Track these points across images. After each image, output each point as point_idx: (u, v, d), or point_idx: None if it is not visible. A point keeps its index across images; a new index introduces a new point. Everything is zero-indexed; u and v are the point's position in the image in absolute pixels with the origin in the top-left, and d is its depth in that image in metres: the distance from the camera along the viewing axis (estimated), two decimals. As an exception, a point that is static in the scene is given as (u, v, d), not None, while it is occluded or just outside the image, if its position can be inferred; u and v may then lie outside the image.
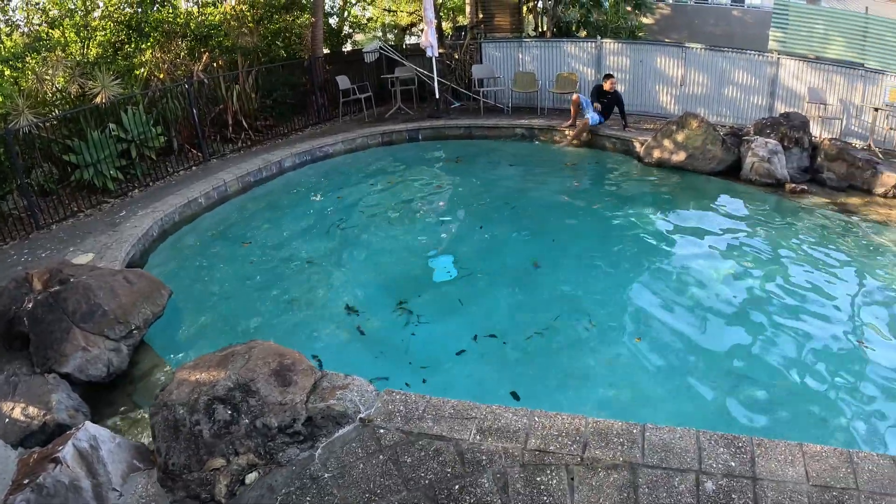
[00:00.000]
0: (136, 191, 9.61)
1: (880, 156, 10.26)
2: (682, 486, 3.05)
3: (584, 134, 11.45)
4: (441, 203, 8.92)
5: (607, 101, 11.45)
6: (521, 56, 13.57)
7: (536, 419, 3.49)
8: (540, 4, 15.07)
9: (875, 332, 5.47)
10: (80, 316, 5.13)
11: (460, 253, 7.08)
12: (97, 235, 7.95)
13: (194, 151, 10.99)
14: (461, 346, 5.20)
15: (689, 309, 5.82)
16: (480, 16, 14.39)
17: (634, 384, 4.74)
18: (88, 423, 3.69)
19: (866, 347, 5.23)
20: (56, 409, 4.31)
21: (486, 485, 3.11)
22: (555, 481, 3.11)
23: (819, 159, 9.62)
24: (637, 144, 10.65)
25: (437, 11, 15.03)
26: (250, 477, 3.30)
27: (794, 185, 9.18)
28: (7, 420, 4.31)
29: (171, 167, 10.34)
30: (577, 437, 3.34)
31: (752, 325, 5.54)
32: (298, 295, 6.32)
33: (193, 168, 10.41)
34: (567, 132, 11.65)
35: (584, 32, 15.33)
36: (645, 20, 19.38)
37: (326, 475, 3.23)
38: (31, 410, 4.29)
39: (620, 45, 12.70)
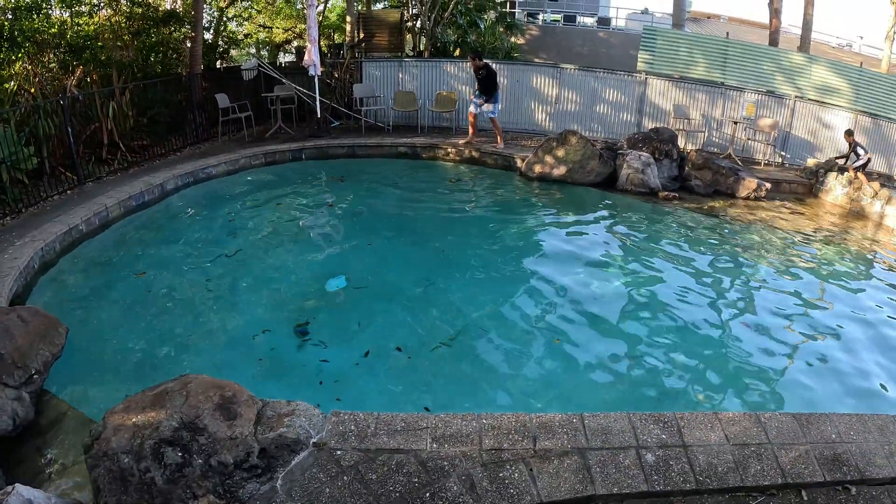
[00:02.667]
0: (8, 218, 8.84)
1: (740, 163, 11.60)
2: (626, 461, 3.50)
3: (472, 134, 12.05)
4: (328, 222, 8.91)
5: (481, 79, 11.66)
6: (401, 75, 13.77)
7: (485, 421, 3.72)
8: (419, 25, 15.33)
9: (737, 313, 6.52)
10: (-27, 361, 4.62)
11: (353, 270, 7.10)
12: (-30, 268, 7.28)
13: (68, 174, 10.24)
14: (363, 361, 5.30)
15: (580, 310, 6.28)
16: (361, 35, 14.42)
17: (543, 380, 5.14)
18: (20, 486, 3.28)
19: (745, 325, 6.19)
20: None
21: (455, 487, 3.26)
22: (516, 474, 3.38)
23: (687, 168, 10.63)
24: (518, 160, 11.15)
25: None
26: (214, 518, 3.18)
27: (666, 192, 10.13)
28: None
29: (44, 191, 9.59)
30: (526, 433, 3.64)
31: (640, 317, 6.22)
32: (200, 323, 6.10)
33: (68, 192, 9.66)
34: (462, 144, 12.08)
35: (458, 52, 15.74)
36: (516, 40, 20.20)
37: (295, 505, 3.21)
38: None
39: (498, 65, 13.18)
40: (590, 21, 28.70)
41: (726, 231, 8.90)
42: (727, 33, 14.15)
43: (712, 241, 8.47)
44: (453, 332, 5.77)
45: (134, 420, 3.37)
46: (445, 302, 6.36)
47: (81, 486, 3.92)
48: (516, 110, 13.53)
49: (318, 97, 12.71)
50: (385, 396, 4.88)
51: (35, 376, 4.84)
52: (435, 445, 3.51)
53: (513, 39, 19.23)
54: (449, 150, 11.90)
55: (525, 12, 27.90)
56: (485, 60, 11.88)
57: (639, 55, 12.99)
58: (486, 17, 16.48)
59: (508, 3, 21.46)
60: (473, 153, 11.73)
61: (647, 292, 6.70)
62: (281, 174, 11.13)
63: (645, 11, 30.22)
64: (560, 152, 10.52)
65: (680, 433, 3.69)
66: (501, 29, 17.47)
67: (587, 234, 8.42)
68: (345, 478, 3.29)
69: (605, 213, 9.35)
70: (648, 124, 12.72)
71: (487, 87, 11.65)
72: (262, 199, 9.78)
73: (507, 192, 10.31)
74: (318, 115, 12.86)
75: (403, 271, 7.09)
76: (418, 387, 5.01)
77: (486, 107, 11.75)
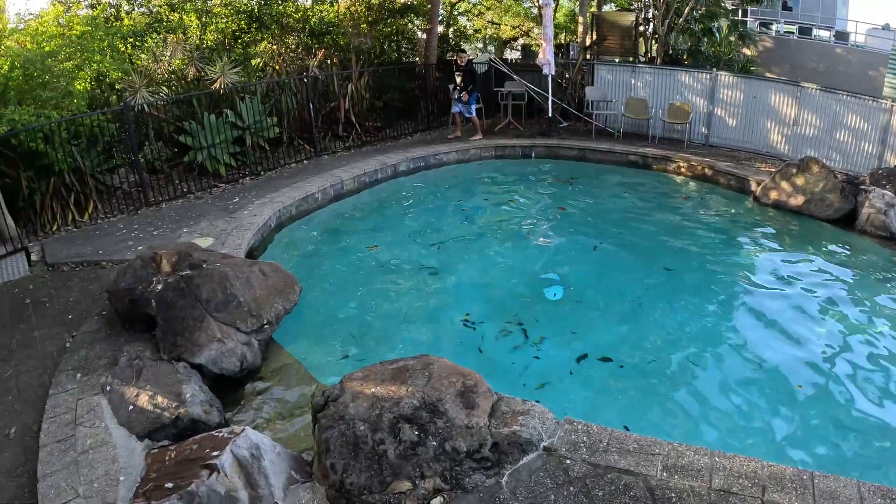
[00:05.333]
0: (248, 178, 9.71)
1: None
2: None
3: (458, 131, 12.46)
4: (556, 223, 8.79)
5: (462, 74, 11.92)
6: (633, 81, 13.32)
7: (717, 459, 3.46)
8: (651, 29, 14.78)
9: None
10: (215, 305, 4.99)
11: (573, 274, 6.94)
12: (212, 220, 8.00)
13: (306, 146, 11.10)
14: (572, 368, 5.11)
15: (804, 356, 5.55)
16: (593, 36, 14.18)
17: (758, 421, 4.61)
18: (249, 430, 3.52)
19: None
20: (190, 402, 4.11)
21: (684, 525, 3.00)
22: (744, 523, 3.05)
23: (940, 215, 9.17)
24: (753, 183, 10.33)
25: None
26: (435, 502, 3.16)
27: (909, 240, 8.77)
28: (132, 408, 4.12)
29: (282, 158, 10.43)
30: (756, 480, 3.35)
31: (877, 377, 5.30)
32: (420, 302, 6.25)
33: (305, 162, 10.50)
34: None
35: (689, 61, 14.99)
36: (747, 51, 18.92)
37: (516, 505, 3.11)
38: (161, 401, 4.10)
39: (735, 78, 12.35)
40: (826, 34, 26.18)
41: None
42: None
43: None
44: (665, 352, 5.42)
45: (373, 391, 3.44)
46: (661, 321, 6.00)
47: (296, 438, 4.10)
48: (751, 129, 12.57)
49: (549, 96, 12.67)
50: (587, 406, 4.68)
51: (266, 326, 5.18)
52: (665, 474, 3.29)
53: (745, 51, 18.02)
54: (680, 163, 11.35)
55: (757, 21, 26.00)
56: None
57: (886, 79, 11.56)
58: (717, 24, 15.53)
59: (741, 12, 20.14)
60: (706, 170, 11.09)
61: (872, 349, 5.75)
62: (511, 169, 11.27)
63: (886, 27, 27.03)
64: (799, 180, 9.61)
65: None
66: (733, 38, 16.39)
67: (820, 274, 7.53)
68: (571, 488, 3.14)
69: (839, 254, 8.34)
70: (892, 159, 11.28)
71: (465, 85, 11.99)
72: (492, 191, 9.95)
73: (739, 215, 9.61)
74: (549, 115, 12.82)
75: (623, 283, 6.81)
76: (621, 403, 4.77)
77: (461, 106, 12.16)
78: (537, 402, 3.71)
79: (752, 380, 5.16)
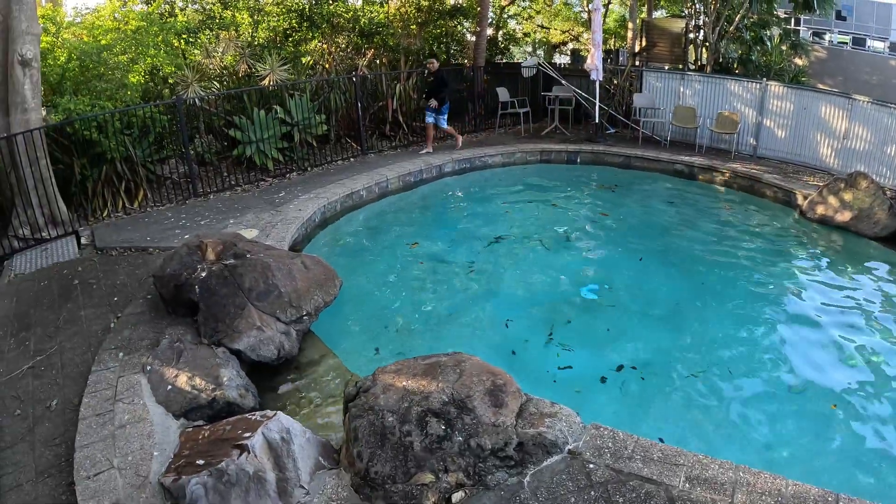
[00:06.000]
0: (294, 173, 9.93)
1: None
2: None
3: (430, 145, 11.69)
4: (597, 230, 8.77)
5: (432, 81, 11.39)
6: (682, 89, 13.14)
7: (741, 475, 3.40)
8: (701, 36, 14.60)
9: None
10: (257, 294, 5.14)
11: (614, 282, 6.92)
12: (258, 212, 8.20)
13: (353, 144, 11.30)
14: (605, 375, 5.11)
15: (847, 377, 5.42)
16: (643, 42, 14.07)
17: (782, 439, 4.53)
18: (281, 414, 3.64)
19: None
20: (227, 385, 4.27)
21: (701, 538, 3.00)
22: (764, 542, 3.01)
23: None
24: (799, 197, 10.15)
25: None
26: (456, 496, 3.23)
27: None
28: (170, 388, 4.29)
29: (328, 155, 10.63)
30: (780, 499, 3.26)
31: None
32: (457, 300, 6.33)
33: (351, 160, 10.70)
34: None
35: (739, 70, 14.75)
36: (798, 61, 18.54)
37: (535, 504, 3.16)
38: (199, 382, 4.26)
39: (785, 88, 12.12)
40: (880, 45, 25.42)
41: None
42: None
43: None
44: (700, 365, 5.37)
45: (404, 384, 3.54)
46: (699, 332, 5.95)
47: (326, 427, 4.22)
48: (800, 141, 12.32)
49: (597, 102, 12.63)
50: (618, 414, 4.69)
51: (305, 317, 5.33)
52: (687, 485, 3.28)
53: (796, 61, 17.67)
54: (726, 174, 11.21)
55: (810, 31, 25.40)
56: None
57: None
58: (768, 33, 15.25)
59: (793, 20, 19.72)
60: (752, 182, 10.94)
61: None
62: (555, 173, 11.27)
63: (943, 40, 26.09)
64: (847, 196, 9.41)
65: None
66: (785, 48, 16.08)
67: (863, 294, 7.35)
68: (592, 493, 3.17)
69: (885, 273, 8.17)
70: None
71: (433, 92, 11.42)
72: (535, 195, 9.98)
73: (783, 229, 9.44)
74: (596, 121, 12.79)
75: (662, 292, 6.77)
76: (653, 413, 4.76)
77: (434, 111, 11.48)
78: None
79: (784, 397, 5.10)
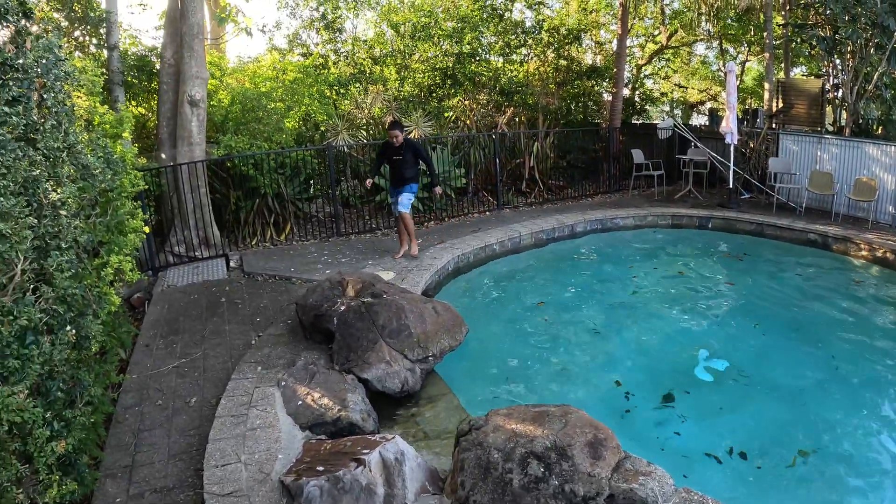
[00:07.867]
0: (432, 223, 10.43)
1: None
2: None
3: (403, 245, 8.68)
4: (724, 300, 8.56)
5: (403, 158, 8.24)
6: (819, 153, 12.51)
7: None
8: (839, 95, 13.88)
9: None
10: (389, 332, 5.54)
11: (736, 355, 6.72)
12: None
13: (489, 198, 11.72)
14: (714, 452, 4.94)
15: None
16: (779, 104, 13.62)
17: None
18: (398, 438, 3.92)
19: None
20: (351, 408, 4.62)
21: None
22: None
23: None
24: (944, 274, 9.45)
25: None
26: (544, 535, 3.36)
27: None
28: (300, 403, 4.72)
29: (466, 207, 11.10)
30: None
31: None
32: (574, 359, 6.39)
33: (487, 213, 11.10)
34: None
35: (880, 131, 13.75)
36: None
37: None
38: (326, 402, 4.65)
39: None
40: None
41: None
42: None
43: None
44: (817, 453, 5.03)
45: (513, 427, 3.79)
46: (820, 415, 5.62)
47: (437, 459, 4.44)
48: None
49: (731, 166, 12.37)
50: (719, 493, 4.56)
51: (430, 358, 5.67)
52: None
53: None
54: (862, 245, 10.60)
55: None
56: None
57: None
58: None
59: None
60: (888, 255, 10.30)
61: None
62: (684, 239, 11.09)
63: None
64: None
65: None
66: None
67: None
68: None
69: None
70: None
71: (408, 169, 8.30)
72: (663, 260, 9.88)
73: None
74: (730, 185, 12.47)
75: (786, 370, 6.51)
76: (754, 493, 4.54)
77: (404, 197, 8.37)
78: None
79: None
